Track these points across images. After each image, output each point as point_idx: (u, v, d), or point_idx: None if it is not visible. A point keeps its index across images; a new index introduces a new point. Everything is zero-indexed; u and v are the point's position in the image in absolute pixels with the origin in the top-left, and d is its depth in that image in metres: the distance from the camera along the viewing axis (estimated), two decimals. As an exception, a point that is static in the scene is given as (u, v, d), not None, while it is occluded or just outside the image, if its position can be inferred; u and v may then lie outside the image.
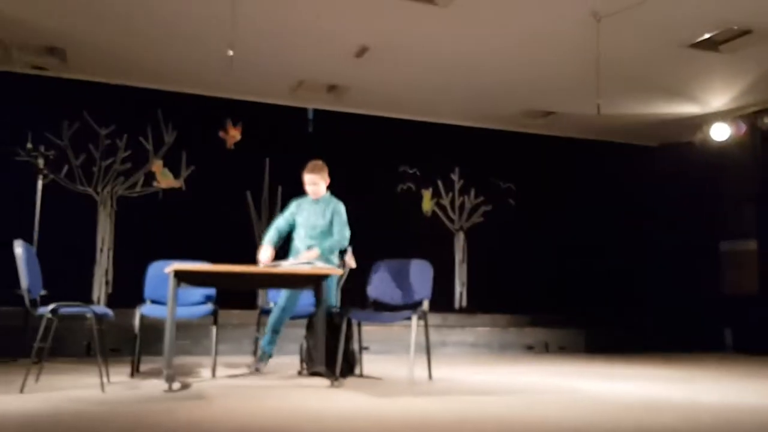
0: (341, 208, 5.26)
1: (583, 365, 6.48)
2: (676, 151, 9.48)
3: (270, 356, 5.20)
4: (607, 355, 7.62)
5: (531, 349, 7.91)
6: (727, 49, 6.48)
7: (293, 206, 5.35)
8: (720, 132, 8.38)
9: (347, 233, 5.23)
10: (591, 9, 5.72)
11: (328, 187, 5.30)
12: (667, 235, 9.41)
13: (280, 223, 5.34)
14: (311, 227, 5.20)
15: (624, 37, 6.23)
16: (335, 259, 5.22)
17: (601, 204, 9.57)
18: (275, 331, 5.16)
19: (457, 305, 8.90)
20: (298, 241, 5.26)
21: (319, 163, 5.23)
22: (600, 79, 6.40)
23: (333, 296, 5.22)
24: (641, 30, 6.13)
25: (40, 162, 6.21)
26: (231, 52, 5.12)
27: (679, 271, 9.19)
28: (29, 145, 6.51)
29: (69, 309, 4.20)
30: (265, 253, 5.11)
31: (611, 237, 9.51)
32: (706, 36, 6.25)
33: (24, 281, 4.22)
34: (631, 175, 9.63)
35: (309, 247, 5.15)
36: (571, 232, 9.40)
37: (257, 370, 5.10)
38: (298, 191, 5.37)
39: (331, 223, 5.20)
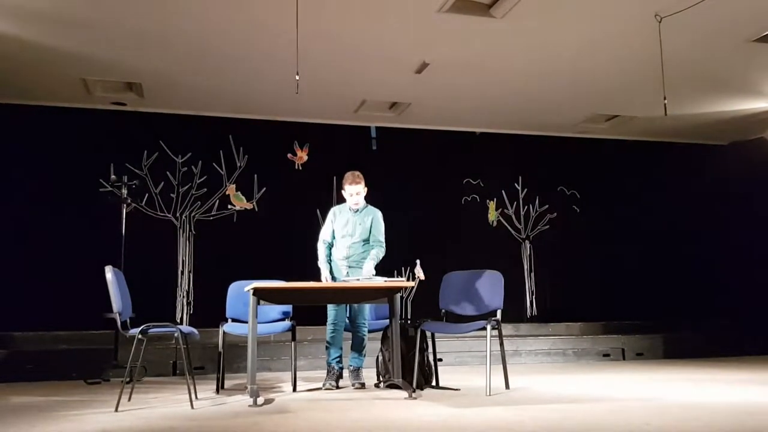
0: (380, 215, 5.35)
1: (664, 371, 6.32)
2: (747, 148, 9.21)
3: (340, 370, 5.23)
4: (689, 360, 7.42)
5: (607, 357, 7.77)
6: (797, 41, 6.29)
7: (332, 216, 5.39)
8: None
9: (383, 239, 5.32)
10: (652, 10, 5.67)
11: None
12: (743, 234, 9.10)
13: (327, 236, 5.36)
14: (350, 236, 5.27)
15: (687, 35, 6.12)
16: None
17: (671, 205, 9.35)
18: (333, 346, 5.20)
19: (528, 314, 8.84)
20: (337, 251, 5.32)
21: (358, 173, 5.30)
22: (665, 79, 6.31)
23: (366, 312, 5.30)
24: (704, 28, 6.01)
25: (124, 191, 6.53)
26: (297, 77, 5.30)
27: (758, 272, 8.85)
28: (113, 177, 6.86)
29: (158, 329, 4.36)
30: (328, 274, 5.21)
31: (682, 239, 9.27)
32: (774, 29, 6.09)
33: (115, 305, 4.41)
34: (702, 175, 9.38)
35: (348, 258, 5.23)
36: (641, 236, 9.21)
37: (334, 387, 5.08)
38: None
39: (369, 232, 5.28)
